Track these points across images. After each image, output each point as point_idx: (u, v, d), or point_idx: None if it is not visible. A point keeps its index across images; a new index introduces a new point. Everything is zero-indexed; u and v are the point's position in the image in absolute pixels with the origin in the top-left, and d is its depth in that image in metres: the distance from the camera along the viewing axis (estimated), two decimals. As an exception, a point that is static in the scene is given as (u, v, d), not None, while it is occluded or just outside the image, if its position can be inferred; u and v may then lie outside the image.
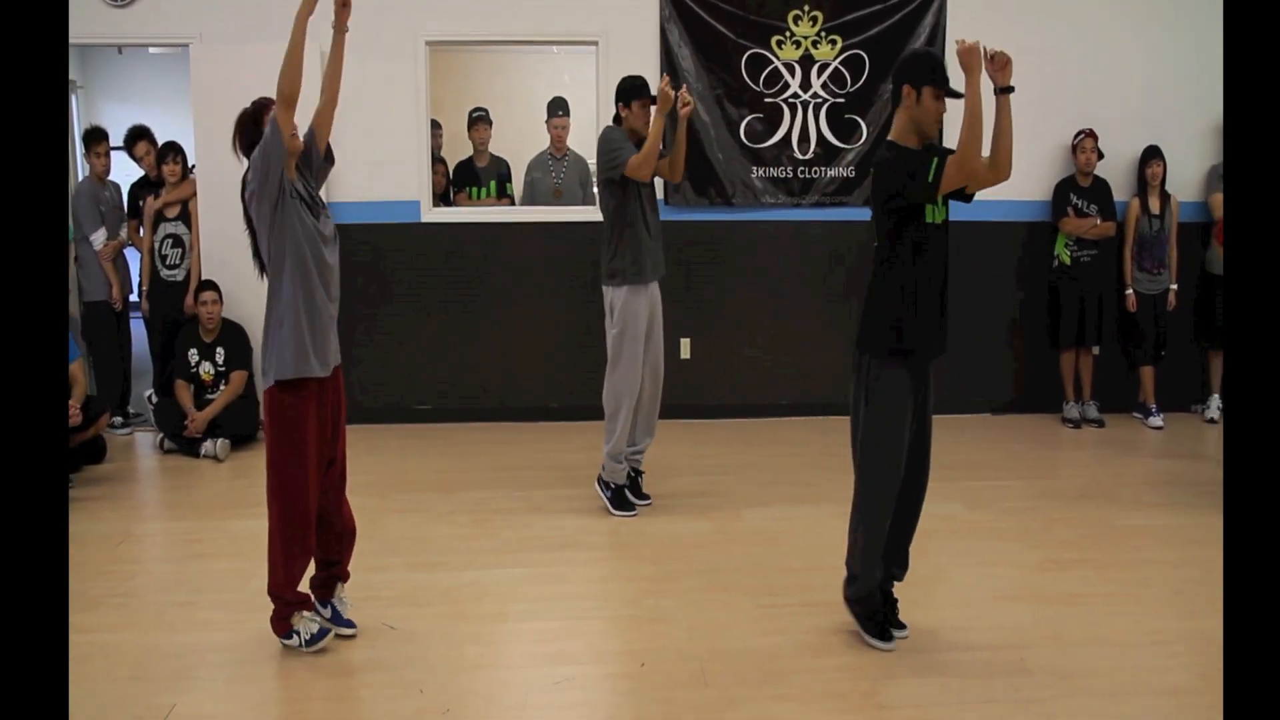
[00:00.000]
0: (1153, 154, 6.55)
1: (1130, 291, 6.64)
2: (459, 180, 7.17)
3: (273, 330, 3.40)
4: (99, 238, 6.46)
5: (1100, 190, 6.59)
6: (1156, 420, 6.62)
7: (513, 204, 7.06)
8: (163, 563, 4.57)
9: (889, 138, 3.46)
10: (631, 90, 4.85)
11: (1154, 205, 6.60)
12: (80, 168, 6.77)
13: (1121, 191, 6.69)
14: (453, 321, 6.72)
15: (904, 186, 3.30)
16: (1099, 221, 6.53)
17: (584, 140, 7.02)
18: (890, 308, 3.40)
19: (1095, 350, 6.75)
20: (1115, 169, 6.66)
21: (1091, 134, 6.52)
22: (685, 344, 6.80)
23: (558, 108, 6.85)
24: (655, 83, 6.49)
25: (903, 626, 3.64)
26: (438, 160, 7.01)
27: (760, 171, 6.64)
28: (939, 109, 3.35)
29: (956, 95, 3.26)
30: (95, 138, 6.54)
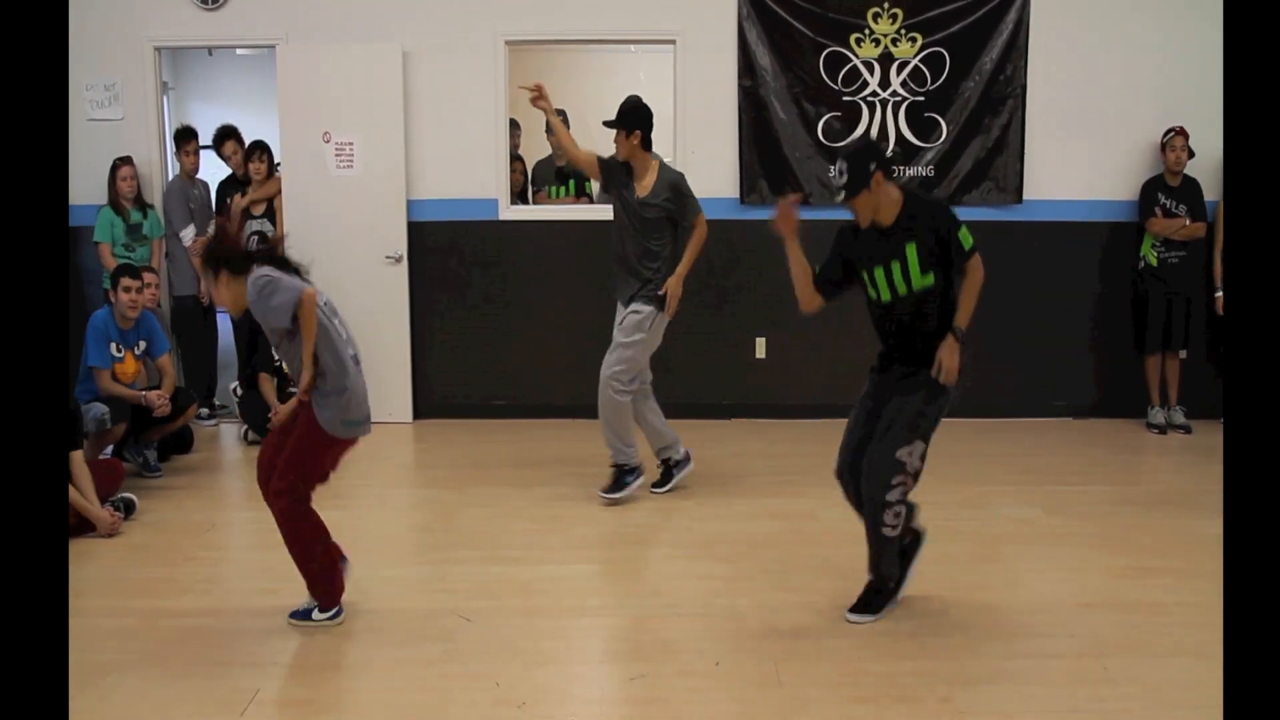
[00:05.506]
0: (1246, 152, 6.35)
1: (1220, 294, 6.44)
2: (538, 179, 7.22)
3: None
4: (188, 234, 6.65)
5: (1190, 190, 6.41)
6: (1246, 427, 6.42)
7: (591, 203, 7.09)
8: (247, 550, 4.68)
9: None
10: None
11: (1246, 205, 6.40)
12: (170, 166, 6.98)
13: (1212, 191, 6.49)
14: (529, 318, 6.78)
15: None
16: (1188, 222, 6.35)
17: (659, 139, 7.00)
18: None
19: (1182, 354, 6.57)
20: (1206, 168, 6.46)
21: (1182, 132, 6.34)
22: (760, 343, 6.78)
23: (630, 104, 6.85)
24: (732, 81, 6.54)
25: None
26: (515, 158, 7.07)
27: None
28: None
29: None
30: (185, 137, 6.74)
